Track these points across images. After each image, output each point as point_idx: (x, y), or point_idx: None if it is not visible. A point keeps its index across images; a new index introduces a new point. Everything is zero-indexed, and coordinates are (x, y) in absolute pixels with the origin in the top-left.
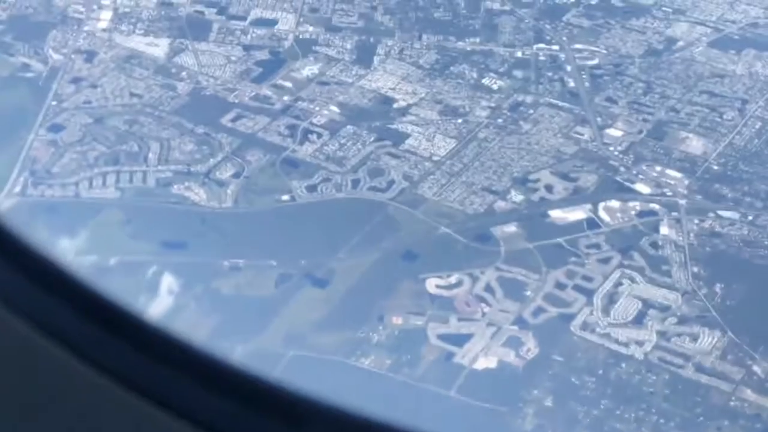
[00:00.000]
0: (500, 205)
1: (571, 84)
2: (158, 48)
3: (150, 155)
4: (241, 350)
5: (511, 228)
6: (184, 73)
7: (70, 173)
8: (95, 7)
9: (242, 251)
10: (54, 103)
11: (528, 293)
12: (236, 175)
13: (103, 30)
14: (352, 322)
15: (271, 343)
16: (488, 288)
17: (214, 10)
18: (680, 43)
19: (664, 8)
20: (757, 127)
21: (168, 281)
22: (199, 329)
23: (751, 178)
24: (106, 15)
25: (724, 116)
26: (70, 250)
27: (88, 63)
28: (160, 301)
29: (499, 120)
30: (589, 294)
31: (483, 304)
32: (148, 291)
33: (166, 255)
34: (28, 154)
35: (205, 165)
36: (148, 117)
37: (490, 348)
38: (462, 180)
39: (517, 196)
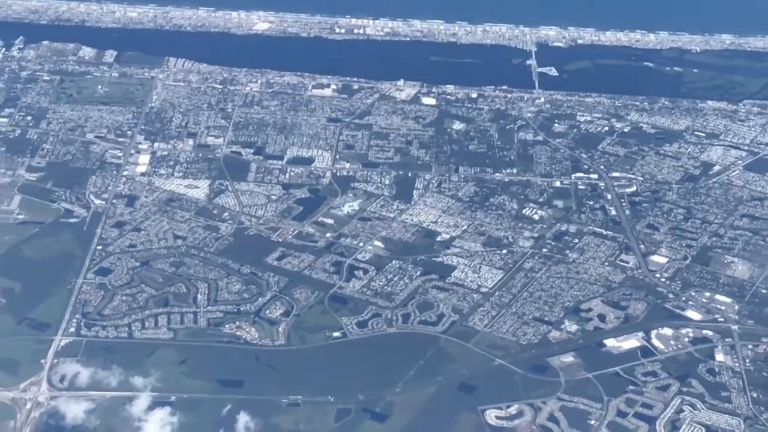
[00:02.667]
0: (554, 335)
1: (613, 212)
2: (198, 190)
3: (199, 296)
4: None
5: (569, 358)
6: (225, 214)
7: (122, 315)
8: (133, 151)
9: (299, 388)
10: (99, 247)
11: (592, 422)
12: (286, 314)
13: (142, 174)
14: None
15: None
16: (552, 418)
17: (251, 151)
18: (716, 168)
19: (696, 133)
20: None
21: (244, 419)
22: None
23: None
24: (144, 159)
25: (767, 239)
26: (129, 388)
27: (129, 207)
28: None
29: (544, 249)
30: (650, 421)
31: None
32: (225, 428)
33: (224, 393)
34: (78, 297)
35: (255, 304)
36: (193, 258)
37: None
38: (512, 311)
39: (571, 326)
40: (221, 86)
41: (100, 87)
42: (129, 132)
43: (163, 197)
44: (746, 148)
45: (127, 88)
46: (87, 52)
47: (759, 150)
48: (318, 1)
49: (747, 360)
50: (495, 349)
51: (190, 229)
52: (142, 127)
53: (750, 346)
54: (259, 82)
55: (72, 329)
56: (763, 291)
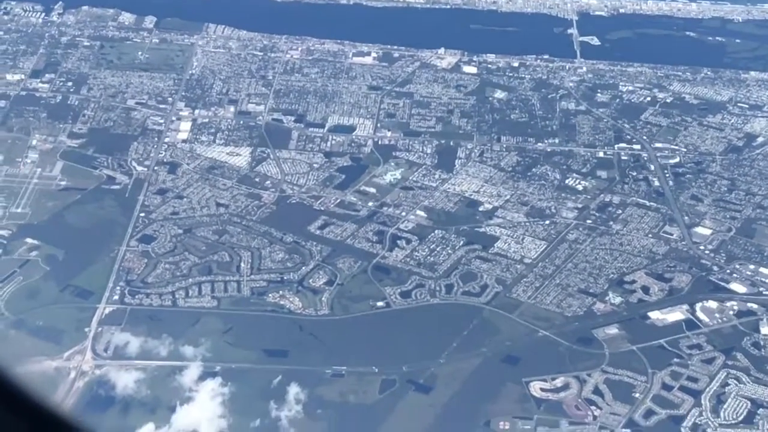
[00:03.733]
0: (599, 307)
1: (656, 183)
2: (240, 157)
3: (242, 265)
4: None
5: (613, 330)
6: (268, 182)
7: (166, 283)
8: (174, 118)
9: (343, 358)
10: (142, 214)
11: (636, 395)
12: (329, 283)
13: (184, 141)
14: (459, 427)
15: None
16: (596, 391)
17: (292, 118)
18: (760, 139)
19: (740, 104)
20: None
21: (295, 390)
22: None
23: None
24: (186, 126)
25: None
26: (173, 357)
27: (171, 174)
28: (290, 408)
29: (588, 221)
30: (696, 395)
31: (593, 407)
32: (276, 399)
33: (269, 363)
34: (121, 264)
35: (298, 273)
36: (236, 227)
37: None
38: (556, 282)
39: (615, 298)
40: (261, 53)
41: (140, 53)
42: (170, 99)
43: (205, 165)
44: None
45: (167, 54)
46: (126, 17)
47: None
48: None
49: None
50: (539, 320)
51: (232, 196)
52: (183, 93)
53: None
54: (299, 49)
55: (116, 297)
56: None
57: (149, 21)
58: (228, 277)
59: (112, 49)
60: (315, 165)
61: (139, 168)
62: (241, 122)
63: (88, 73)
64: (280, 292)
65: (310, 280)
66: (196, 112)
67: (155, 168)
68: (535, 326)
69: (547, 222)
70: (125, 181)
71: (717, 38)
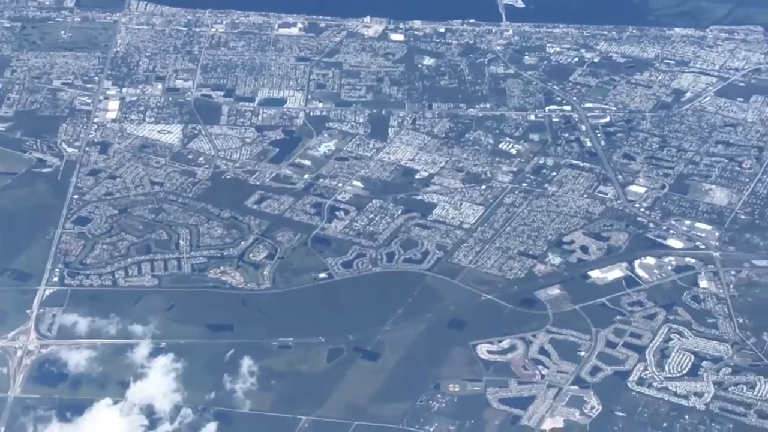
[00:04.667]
0: (540, 268)
1: (588, 143)
2: (171, 135)
3: (181, 242)
4: (307, 422)
5: (555, 291)
6: (201, 159)
7: (104, 263)
8: (101, 97)
9: (288, 330)
10: (75, 196)
11: (582, 353)
12: (270, 257)
13: (113, 120)
14: (409, 391)
15: (335, 414)
16: (543, 351)
17: (221, 93)
18: (688, 95)
19: (666, 60)
20: None
21: (248, 363)
22: (264, 404)
23: None
24: (114, 105)
25: (743, 165)
26: (122, 335)
27: (103, 154)
28: (244, 381)
29: (524, 184)
30: (640, 350)
31: (540, 367)
32: (229, 372)
33: (215, 337)
34: (58, 246)
35: (237, 248)
36: (172, 204)
37: (554, 408)
38: (496, 246)
39: (555, 259)
40: (186, 28)
41: (63, 32)
42: (96, 78)
43: (136, 143)
44: (716, 74)
45: (90, 33)
46: None
47: (729, 75)
48: None
49: (731, 286)
50: (482, 284)
51: (166, 174)
52: (109, 72)
53: (733, 272)
54: (224, 23)
55: (55, 279)
56: (742, 217)
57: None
58: (167, 255)
59: (33, 29)
60: (247, 139)
61: (70, 149)
62: (170, 99)
63: (11, 55)
64: (221, 267)
65: (251, 255)
66: (124, 90)
67: (86, 149)
68: (478, 290)
69: (484, 187)
70: (56, 163)
71: None
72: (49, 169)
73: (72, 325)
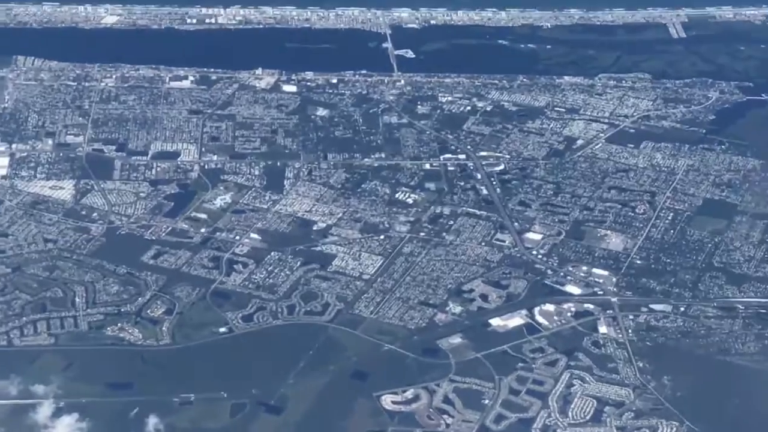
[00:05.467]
0: (441, 317)
1: (484, 191)
2: (64, 191)
3: (77, 300)
4: None
5: (457, 339)
6: (95, 214)
7: None
8: None
9: (190, 386)
10: None
11: (486, 401)
12: (168, 312)
13: (3, 177)
14: None
15: None
16: (447, 400)
17: (113, 147)
18: (579, 142)
19: (557, 108)
20: (669, 218)
21: (153, 421)
22: None
23: (674, 269)
24: (3, 161)
25: (637, 210)
26: (19, 395)
27: None
28: None
29: (422, 233)
30: (543, 397)
31: (445, 416)
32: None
33: (116, 396)
34: None
35: (135, 304)
36: (67, 261)
37: None
38: (397, 296)
39: (455, 308)
40: (75, 83)
41: None
42: None
43: (28, 200)
44: (606, 121)
45: None
46: None
47: (619, 122)
48: None
49: (629, 331)
50: (383, 334)
51: (59, 231)
52: None
53: (631, 317)
54: (114, 77)
55: None
56: (638, 262)
57: None
58: (63, 313)
59: None
60: (142, 194)
61: None
62: (61, 154)
63: None
64: (119, 324)
65: (149, 311)
66: (14, 146)
67: None
68: (380, 341)
69: (382, 237)
70: None
71: (529, 45)
72: None
73: None
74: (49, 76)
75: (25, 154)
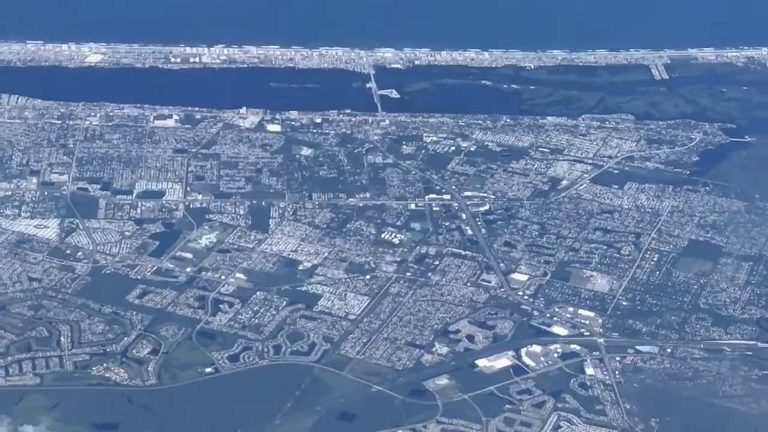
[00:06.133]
0: (427, 358)
1: (469, 231)
2: (48, 229)
3: (62, 339)
4: None
5: (444, 380)
6: (80, 253)
7: None
8: None
9: (175, 427)
10: None
11: None
12: (154, 352)
13: None
14: None
15: None
16: None
17: (98, 186)
18: (564, 182)
19: (541, 149)
20: (655, 259)
21: None
22: None
23: (660, 310)
24: None
25: (622, 251)
26: None
27: None
28: None
29: (408, 273)
30: None
31: None
32: None
33: None
34: None
35: (120, 344)
36: (52, 301)
37: None
38: (383, 336)
39: (442, 348)
40: (59, 121)
41: None
42: None
43: (12, 239)
44: (590, 161)
45: None
46: None
47: (603, 163)
48: (149, 31)
49: (616, 372)
50: (370, 375)
51: (44, 270)
52: None
53: (618, 358)
54: (98, 115)
55: None
56: (624, 303)
57: None
58: (49, 353)
59: None
60: (126, 233)
61: None
62: (46, 193)
63: None
64: (104, 364)
65: (134, 351)
66: None
67: None
68: (367, 381)
69: (368, 277)
70: None
71: (512, 86)
72: None
73: None
74: (34, 115)
75: (9, 192)
